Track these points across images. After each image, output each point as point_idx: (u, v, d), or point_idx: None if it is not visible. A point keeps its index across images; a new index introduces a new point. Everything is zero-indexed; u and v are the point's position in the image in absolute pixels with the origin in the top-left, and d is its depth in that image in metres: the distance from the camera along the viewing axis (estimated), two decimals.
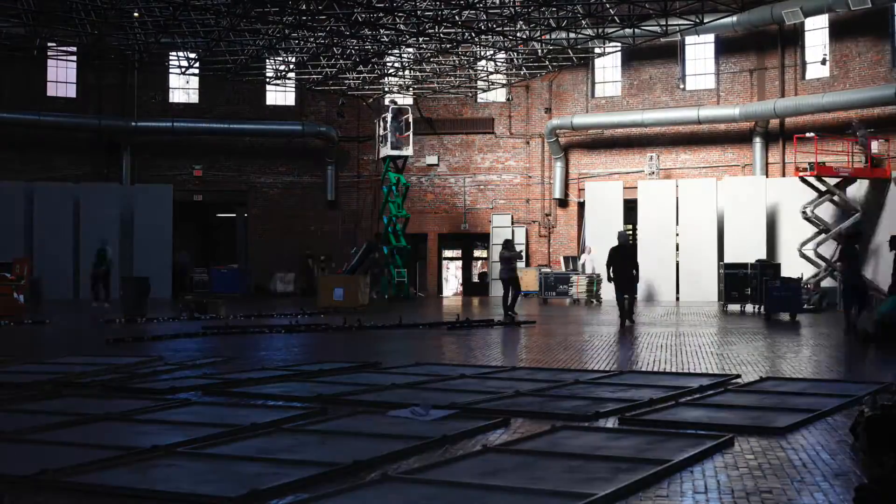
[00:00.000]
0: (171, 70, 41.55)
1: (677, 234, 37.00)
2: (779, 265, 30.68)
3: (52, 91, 41.39)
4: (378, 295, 23.33)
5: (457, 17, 31.24)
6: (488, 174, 42.88)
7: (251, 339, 19.59)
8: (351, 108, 42.56)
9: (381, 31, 32.88)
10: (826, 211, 32.78)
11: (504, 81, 40.76)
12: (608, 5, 32.04)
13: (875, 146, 33.09)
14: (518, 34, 33.93)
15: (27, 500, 6.41)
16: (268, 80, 41.11)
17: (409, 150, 38.45)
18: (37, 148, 40.66)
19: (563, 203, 41.92)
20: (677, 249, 37.17)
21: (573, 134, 41.68)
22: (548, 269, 38.53)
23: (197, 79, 41.75)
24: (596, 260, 34.13)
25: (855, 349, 16.93)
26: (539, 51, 36.65)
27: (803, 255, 31.47)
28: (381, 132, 38.59)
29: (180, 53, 38.45)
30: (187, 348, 17.23)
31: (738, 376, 12.60)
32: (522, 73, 39.24)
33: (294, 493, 6.52)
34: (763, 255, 33.60)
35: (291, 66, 39.42)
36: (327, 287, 29.44)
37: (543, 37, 34.96)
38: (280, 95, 43.50)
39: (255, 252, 43.04)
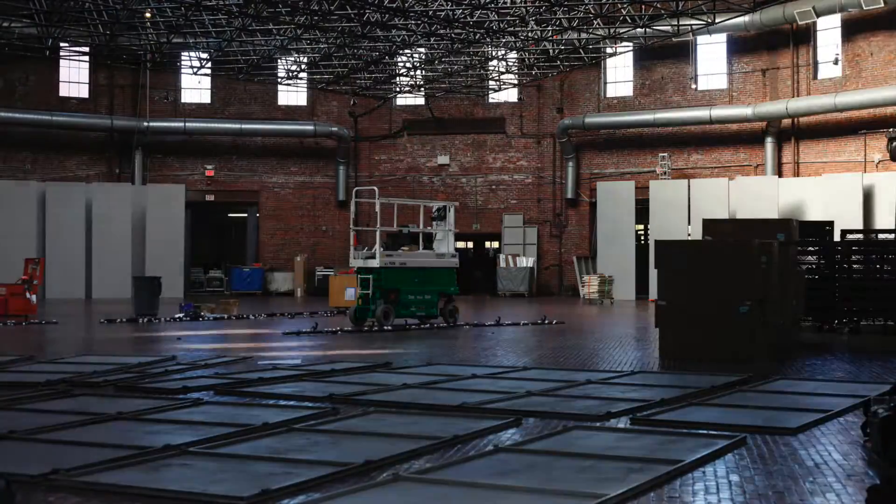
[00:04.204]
0: (183, 70, 41.62)
1: (689, 235, 36.93)
2: None
3: (64, 91, 41.49)
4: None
5: (468, 18, 31.22)
6: (500, 174, 42.84)
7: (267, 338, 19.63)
8: (362, 108, 42.53)
9: (393, 31, 32.88)
10: None
11: (515, 81, 40.70)
12: (620, 5, 31.99)
13: None
14: (529, 34, 33.89)
15: (39, 499, 6.43)
16: (280, 80, 41.13)
17: None
18: (49, 148, 40.77)
19: (574, 203, 41.87)
20: None
21: (585, 134, 41.63)
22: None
23: (209, 79, 41.78)
24: None
25: None
26: (550, 51, 36.60)
27: None
28: None
29: (192, 54, 38.47)
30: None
31: (751, 376, 12.57)
32: (534, 72, 39.19)
33: (306, 492, 6.53)
34: None
35: (303, 67, 39.42)
36: (339, 286, 29.44)
37: (555, 37, 34.91)
38: (292, 95, 43.52)
39: (265, 252, 43.10)
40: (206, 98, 43.00)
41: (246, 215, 44.85)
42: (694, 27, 33.02)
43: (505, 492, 6.47)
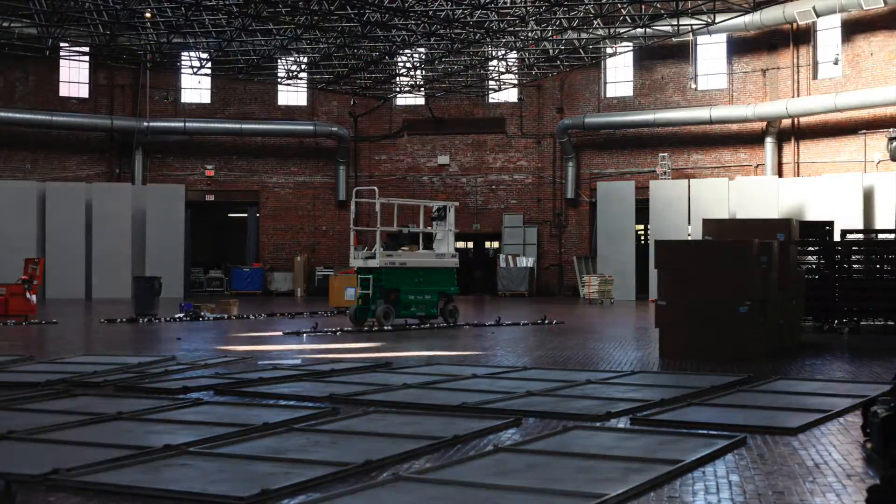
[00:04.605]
0: (183, 70, 41.64)
1: (689, 235, 36.92)
2: None
3: (64, 91, 41.52)
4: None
5: (468, 18, 31.22)
6: (500, 174, 42.84)
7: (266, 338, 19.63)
8: (362, 108, 42.53)
9: (393, 31, 32.89)
10: None
11: (515, 81, 40.71)
12: (620, 5, 31.99)
13: None
14: (529, 34, 33.89)
15: (40, 499, 6.42)
16: (280, 80, 41.15)
17: None
18: (49, 148, 40.79)
19: (574, 203, 41.87)
20: None
21: (585, 134, 41.63)
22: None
23: (209, 79, 41.80)
24: None
25: None
26: (550, 51, 36.61)
27: None
28: None
29: (192, 54, 38.49)
30: (203, 347, 17.28)
31: (751, 376, 12.56)
32: (534, 72, 39.19)
33: (306, 492, 6.52)
34: None
35: (303, 67, 39.44)
36: (339, 286, 29.44)
37: (555, 37, 34.92)
38: (292, 95, 43.53)
39: (265, 252, 43.11)
40: (206, 98, 43.01)
41: (246, 215, 44.86)
42: (694, 27, 33.04)
43: (505, 492, 6.46)
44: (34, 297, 25.12)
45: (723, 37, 38.99)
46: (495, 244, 44.39)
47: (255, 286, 40.76)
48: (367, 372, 13.28)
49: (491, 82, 41.08)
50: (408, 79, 40.27)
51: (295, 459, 7.43)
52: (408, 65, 38.72)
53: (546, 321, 23.65)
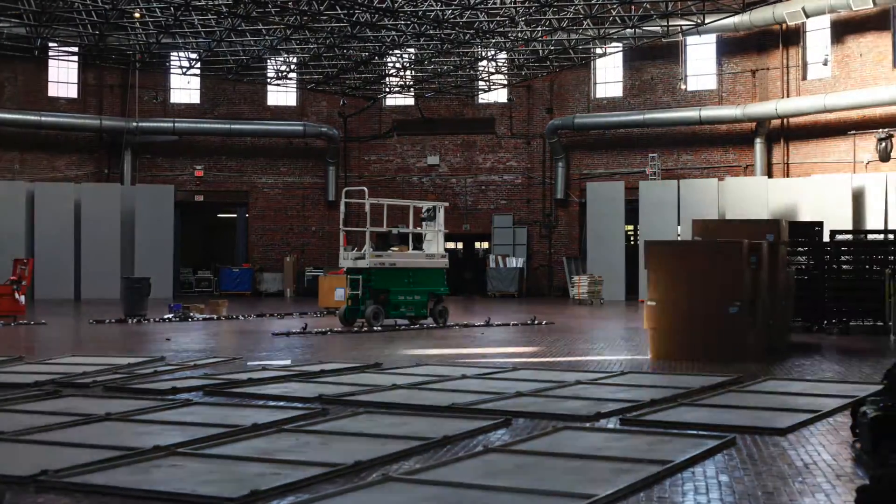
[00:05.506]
0: (172, 70, 41.53)
1: (679, 235, 36.97)
2: None
3: (53, 91, 41.38)
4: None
5: (458, 18, 31.22)
6: (490, 174, 42.85)
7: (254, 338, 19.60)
8: (352, 109, 42.49)
9: (383, 32, 32.86)
10: None
11: (505, 82, 40.71)
12: (609, 6, 32.00)
13: None
14: (519, 35, 33.89)
15: (28, 500, 6.40)
16: (269, 80, 41.09)
17: None
18: (38, 148, 40.65)
19: (564, 203, 41.89)
20: None
21: (574, 134, 41.64)
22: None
23: (198, 79, 41.71)
24: None
25: None
26: (540, 51, 36.61)
27: None
28: None
29: (181, 54, 38.39)
30: (188, 348, 17.26)
31: (740, 376, 12.58)
32: (524, 73, 39.19)
33: (295, 493, 6.52)
34: None
35: (292, 67, 39.38)
36: (328, 287, 29.39)
37: (545, 37, 34.91)
38: (281, 96, 43.48)
39: (255, 252, 43.05)
40: (195, 98, 42.92)
41: (235, 216, 44.80)
42: (683, 28, 33.09)
43: (494, 492, 6.46)
44: (23, 298, 25.08)
45: (712, 37, 39.05)
46: (485, 245, 44.37)
47: (245, 287, 40.74)
48: (356, 372, 13.27)
49: (480, 83, 41.06)
50: (397, 79, 40.24)
51: (284, 460, 7.42)
52: (397, 65, 38.69)
53: (536, 322, 23.66)
